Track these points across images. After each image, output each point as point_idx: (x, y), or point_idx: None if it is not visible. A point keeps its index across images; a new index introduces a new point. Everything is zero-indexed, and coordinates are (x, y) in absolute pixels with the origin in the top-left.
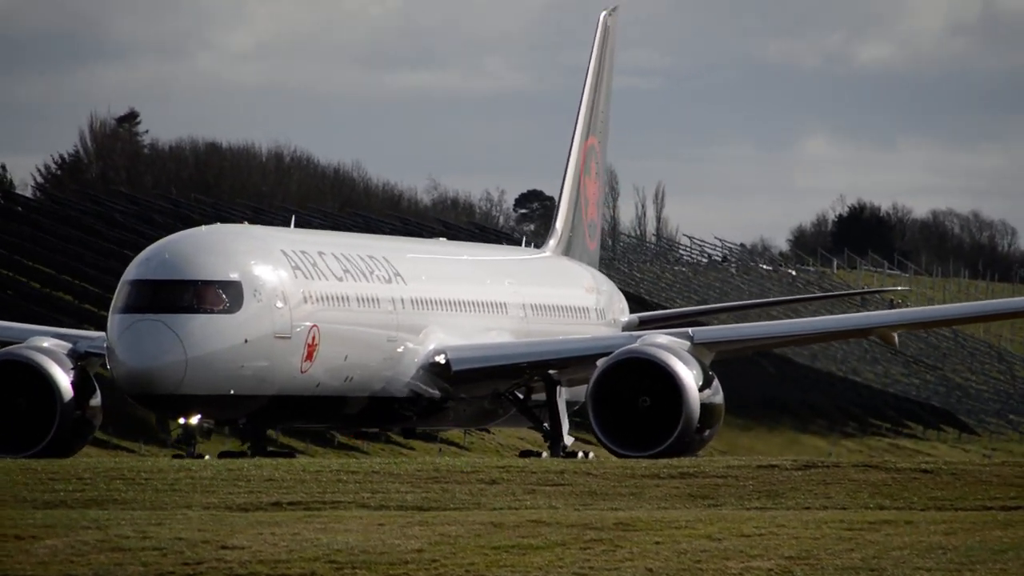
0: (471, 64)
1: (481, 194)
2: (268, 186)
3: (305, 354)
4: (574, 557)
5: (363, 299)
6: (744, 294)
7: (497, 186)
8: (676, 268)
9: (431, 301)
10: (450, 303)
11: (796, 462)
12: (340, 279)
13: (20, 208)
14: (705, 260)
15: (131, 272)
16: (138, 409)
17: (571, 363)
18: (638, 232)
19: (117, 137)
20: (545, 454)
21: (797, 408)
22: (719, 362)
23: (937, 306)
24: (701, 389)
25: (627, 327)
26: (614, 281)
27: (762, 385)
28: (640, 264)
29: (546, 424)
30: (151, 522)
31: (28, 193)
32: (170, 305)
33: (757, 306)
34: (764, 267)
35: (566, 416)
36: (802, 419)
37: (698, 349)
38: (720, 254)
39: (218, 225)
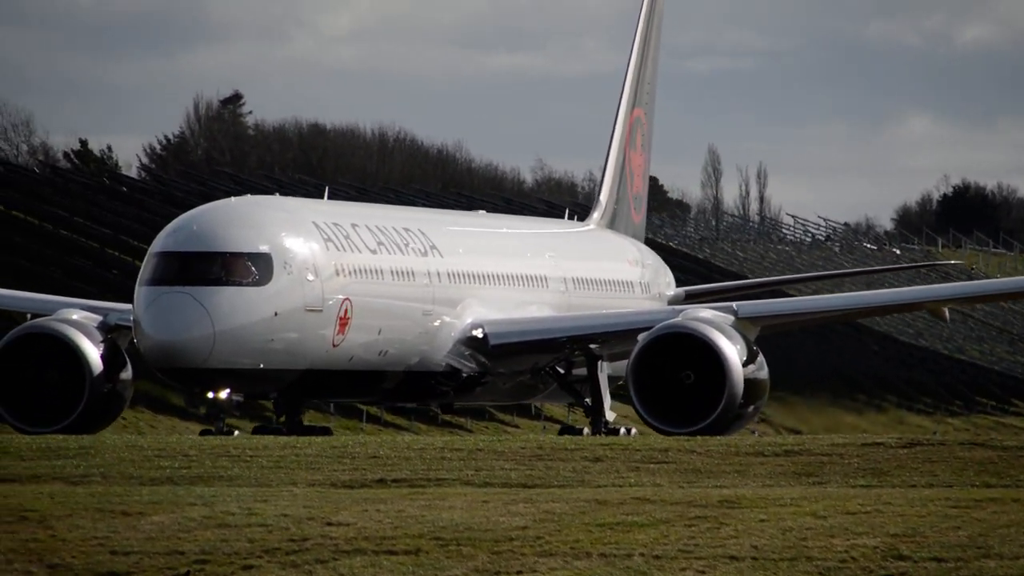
0: (567, 45)
1: (584, 174)
2: (372, 167)
3: (337, 328)
4: (679, 534)
5: (398, 272)
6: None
7: (600, 166)
8: (779, 247)
9: (468, 274)
10: (488, 276)
11: (901, 440)
12: (374, 252)
13: (125, 189)
14: (808, 239)
15: (158, 243)
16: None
17: (612, 337)
18: (741, 211)
19: (222, 118)
20: (586, 430)
21: (903, 387)
22: (788, 335)
23: (987, 280)
24: (745, 364)
25: (673, 301)
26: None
27: (867, 363)
28: (743, 243)
29: (587, 399)
30: (257, 499)
31: (133, 174)
32: (198, 277)
33: (799, 280)
34: (868, 246)
35: (608, 391)
36: (907, 397)
37: (742, 323)
38: (824, 233)
39: (248, 196)
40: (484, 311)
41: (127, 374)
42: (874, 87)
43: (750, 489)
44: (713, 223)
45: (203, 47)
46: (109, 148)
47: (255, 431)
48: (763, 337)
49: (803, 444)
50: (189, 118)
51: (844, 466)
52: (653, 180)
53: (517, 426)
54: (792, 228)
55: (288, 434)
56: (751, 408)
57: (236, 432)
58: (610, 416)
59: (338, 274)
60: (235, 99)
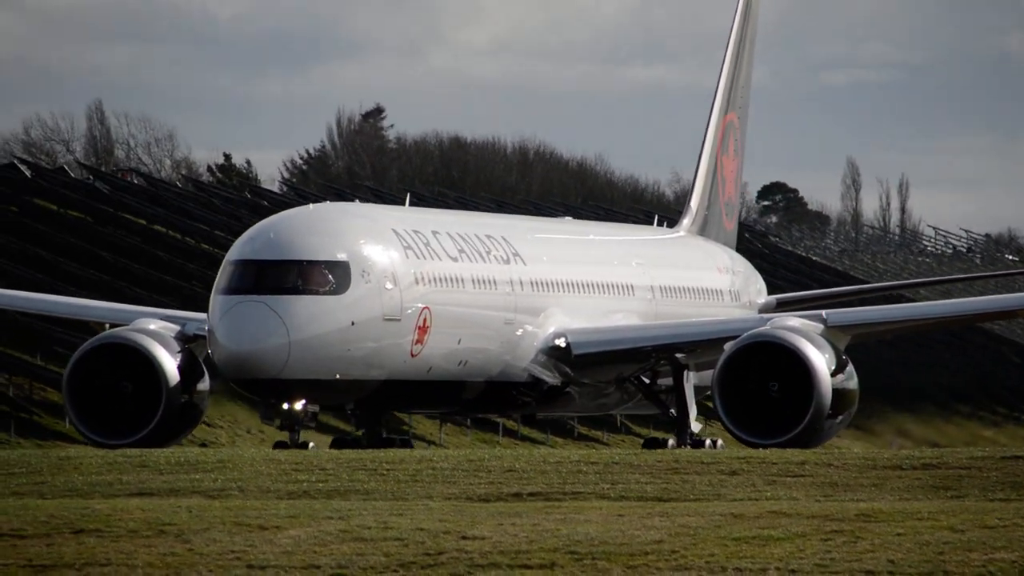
0: (704, 58)
1: None
2: (512, 180)
3: (416, 337)
4: (815, 548)
5: (479, 280)
6: (989, 285)
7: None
8: (920, 259)
9: (552, 282)
10: (572, 284)
11: None
12: (455, 259)
13: (266, 203)
14: (950, 251)
15: (235, 252)
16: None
17: (698, 347)
18: (881, 223)
19: (363, 132)
20: (672, 441)
21: None
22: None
23: None
24: (833, 374)
25: (764, 309)
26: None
27: (1005, 375)
28: (883, 255)
29: (672, 410)
30: (393, 512)
31: (275, 188)
32: (274, 286)
33: (893, 288)
34: (1010, 257)
35: (694, 402)
36: None
37: (831, 332)
38: (965, 245)
39: (327, 203)
40: (567, 320)
41: (204, 385)
42: (1016, 98)
43: (887, 503)
44: (853, 235)
45: (343, 62)
46: (248, 163)
47: (333, 443)
48: (895, 344)
49: (941, 457)
50: (331, 132)
51: (983, 479)
52: (792, 192)
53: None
54: (933, 240)
55: (367, 446)
56: (839, 419)
57: (311, 445)
58: (696, 427)
59: (417, 283)
60: (377, 113)
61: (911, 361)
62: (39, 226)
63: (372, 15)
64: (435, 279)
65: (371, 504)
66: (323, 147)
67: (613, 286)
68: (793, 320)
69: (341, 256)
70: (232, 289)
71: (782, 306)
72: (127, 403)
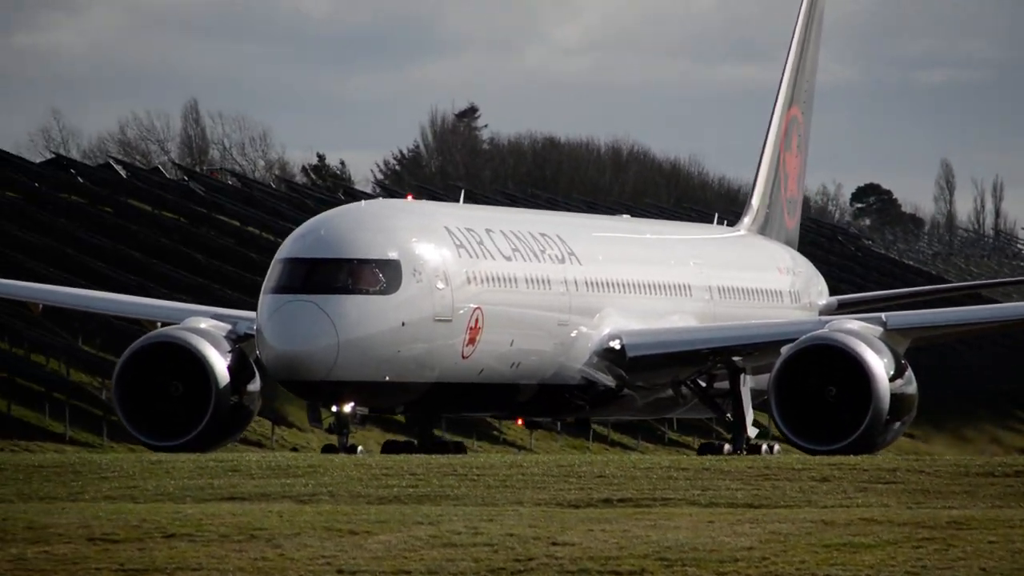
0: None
1: (817, 188)
2: (605, 181)
3: (467, 338)
4: (906, 556)
5: (532, 280)
6: None
7: (834, 180)
8: (1015, 263)
9: (607, 283)
10: (628, 285)
11: None
12: (508, 258)
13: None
14: None
15: (284, 250)
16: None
17: (755, 349)
18: (976, 226)
19: (457, 132)
20: (727, 446)
21: None
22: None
23: None
24: (892, 379)
25: (825, 311)
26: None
27: None
28: (977, 259)
29: (729, 415)
30: (483, 518)
31: (368, 188)
32: (323, 285)
33: (956, 290)
34: None
35: (751, 406)
36: None
37: (891, 335)
38: None
39: (379, 200)
40: (622, 321)
41: (255, 385)
42: None
43: (979, 510)
44: (947, 238)
45: (437, 60)
46: (342, 163)
47: (384, 447)
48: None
49: None
50: (424, 132)
51: None
52: (886, 194)
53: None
54: None
55: (421, 449)
56: (898, 424)
57: (360, 448)
58: (752, 432)
59: (469, 282)
60: (470, 112)
61: (1006, 366)
62: (133, 227)
63: (465, 13)
64: (488, 278)
65: (461, 509)
66: (416, 147)
67: (669, 286)
68: (852, 323)
69: (392, 255)
70: (281, 288)
71: (844, 307)
72: (177, 404)
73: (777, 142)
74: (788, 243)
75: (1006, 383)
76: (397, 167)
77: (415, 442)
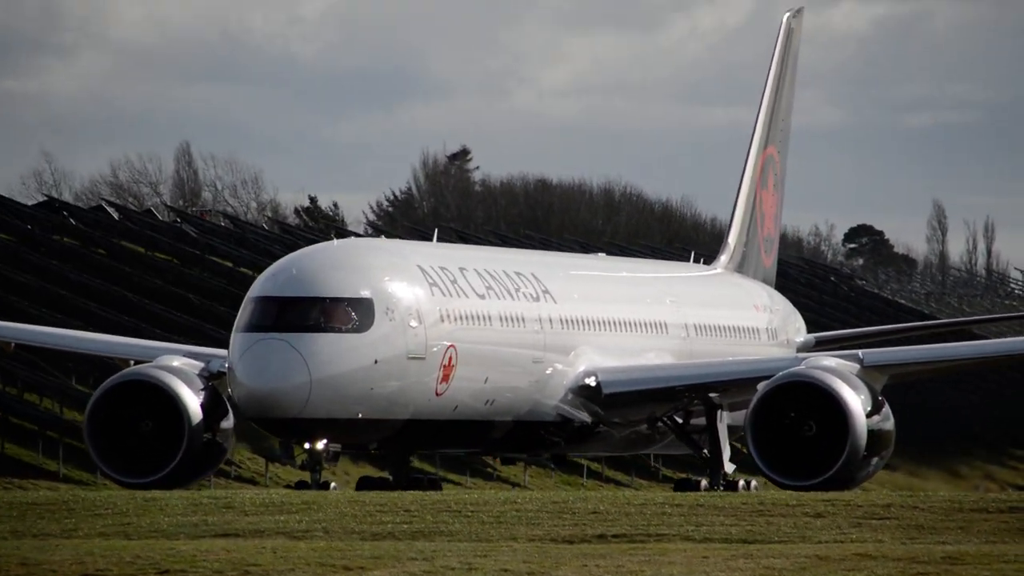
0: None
1: (810, 228)
2: (597, 223)
3: (441, 376)
4: None
5: (507, 318)
6: None
7: (827, 220)
8: (1007, 302)
9: (582, 320)
10: (603, 322)
11: None
12: (482, 296)
13: None
14: None
15: (256, 288)
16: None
17: (731, 386)
18: (968, 266)
19: (449, 173)
20: (704, 483)
21: None
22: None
23: None
24: (869, 415)
25: (803, 348)
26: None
27: None
28: (970, 299)
29: (706, 451)
30: (477, 554)
31: (360, 230)
32: (295, 324)
33: (935, 327)
34: None
35: (727, 442)
36: None
37: (868, 372)
38: None
39: (351, 239)
40: (598, 359)
41: (228, 423)
42: None
43: (973, 545)
44: (939, 278)
45: (425, 103)
46: (335, 205)
47: (359, 483)
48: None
49: None
50: (416, 174)
51: None
52: (878, 234)
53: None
54: (1021, 283)
55: (395, 485)
56: (875, 460)
57: (333, 484)
58: (729, 468)
59: (443, 320)
60: (462, 154)
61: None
62: (126, 268)
63: (453, 57)
64: (461, 316)
65: (455, 545)
66: (409, 189)
67: (645, 324)
68: (828, 360)
69: (365, 293)
70: (253, 326)
71: (822, 345)
72: (149, 441)
73: (754, 181)
74: (765, 281)
75: (997, 420)
76: (390, 208)
77: (390, 478)
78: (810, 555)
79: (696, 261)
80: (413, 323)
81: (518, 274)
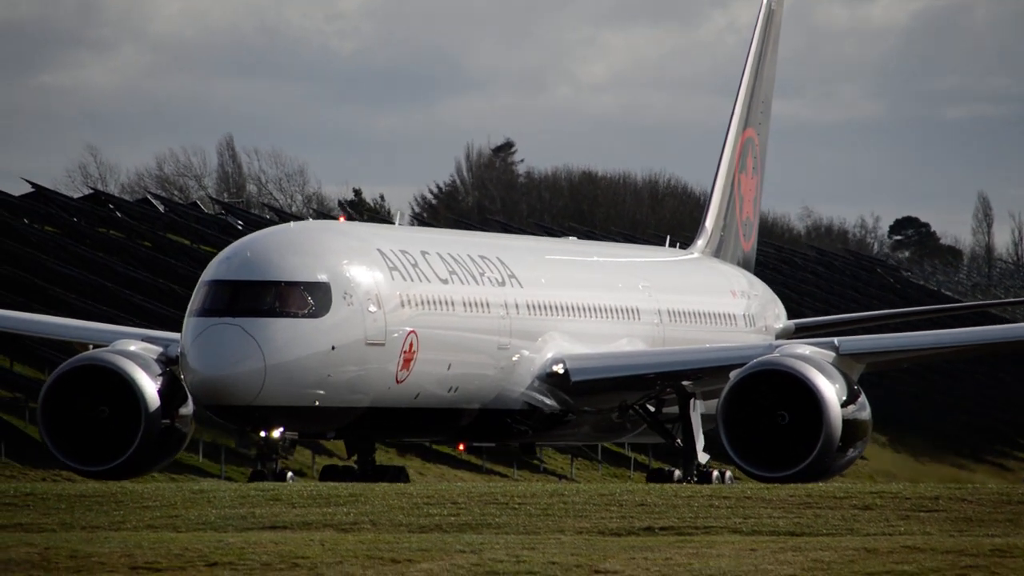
0: (825, 90)
1: (856, 220)
2: (642, 214)
3: (401, 362)
4: None
5: (471, 303)
6: None
7: (872, 212)
8: None
9: (550, 305)
10: (572, 308)
11: None
12: (445, 281)
13: None
14: None
15: (209, 272)
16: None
17: (703, 374)
18: (1015, 258)
19: (493, 166)
20: (677, 473)
21: None
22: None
23: None
24: (844, 404)
25: (782, 335)
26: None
27: None
28: (1017, 290)
29: (679, 440)
30: (524, 546)
31: (406, 222)
32: (249, 308)
33: (915, 313)
34: None
35: (701, 431)
36: None
37: (843, 360)
38: None
39: (310, 221)
40: (566, 345)
41: (187, 409)
42: None
43: (1022, 538)
44: (986, 270)
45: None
46: (382, 197)
47: (323, 472)
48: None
49: None
50: (460, 167)
51: None
52: (924, 226)
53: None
54: None
55: (360, 475)
56: (850, 451)
57: (290, 475)
58: (703, 458)
59: (403, 305)
60: (507, 147)
61: None
62: (172, 260)
63: (489, 51)
64: (423, 301)
65: (503, 538)
66: (453, 182)
67: (616, 309)
68: (803, 348)
69: (321, 277)
70: (205, 311)
71: (802, 331)
72: (105, 428)
73: (732, 164)
74: (744, 265)
75: None
76: (434, 201)
77: (355, 467)
78: (858, 547)
79: (672, 245)
80: (372, 308)
81: (483, 258)
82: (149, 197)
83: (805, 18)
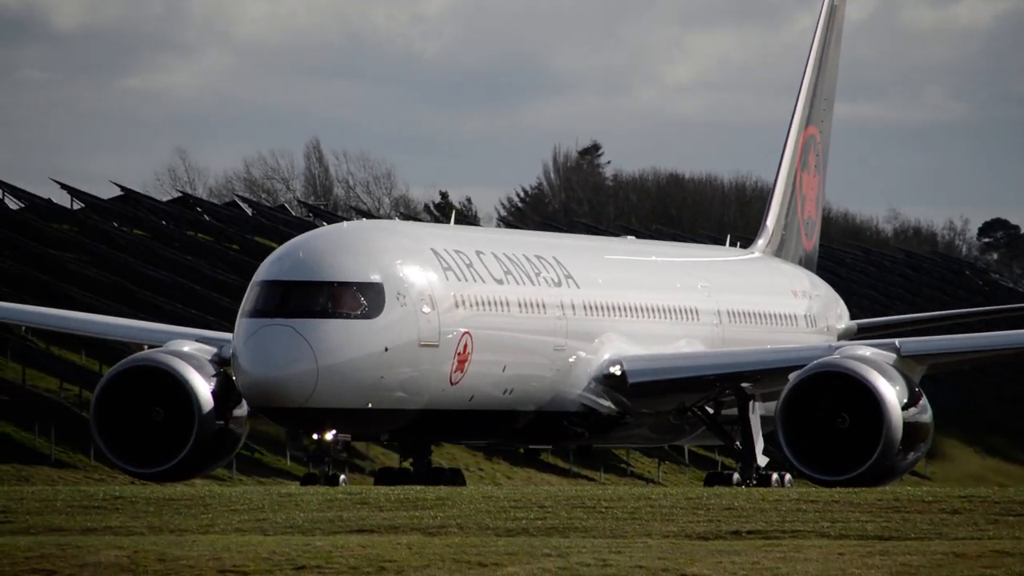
0: (908, 94)
1: (944, 222)
2: (730, 216)
3: (456, 364)
4: None
5: (526, 304)
6: None
7: (961, 215)
8: None
9: (607, 306)
10: (629, 308)
11: None
12: (500, 281)
13: None
14: None
15: (261, 272)
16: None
17: (762, 375)
18: None
19: (580, 169)
20: (736, 476)
21: None
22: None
23: None
24: (905, 407)
25: (844, 335)
26: None
27: None
28: None
29: (738, 443)
30: (611, 550)
31: (492, 225)
32: (301, 309)
33: (981, 313)
34: None
35: (760, 434)
36: None
37: (905, 362)
38: None
39: (362, 221)
40: (624, 346)
41: (242, 411)
42: None
43: None
44: None
45: (548, 99)
46: (469, 200)
47: (378, 475)
48: None
49: None
50: (547, 169)
51: None
52: (1014, 228)
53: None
54: None
55: (415, 478)
56: (912, 454)
57: (342, 478)
58: (762, 461)
59: (457, 306)
60: (593, 150)
61: None
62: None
63: (573, 53)
64: (477, 302)
65: (590, 541)
66: (540, 184)
67: (674, 310)
68: (863, 349)
69: (374, 277)
70: (257, 312)
71: (865, 332)
72: (159, 430)
73: (793, 162)
74: (806, 265)
75: None
76: (520, 204)
77: (410, 470)
78: (947, 552)
79: (745, 246)
80: (426, 308)
81: (539, 258)
82: (237, 200)
83: (889, 20)
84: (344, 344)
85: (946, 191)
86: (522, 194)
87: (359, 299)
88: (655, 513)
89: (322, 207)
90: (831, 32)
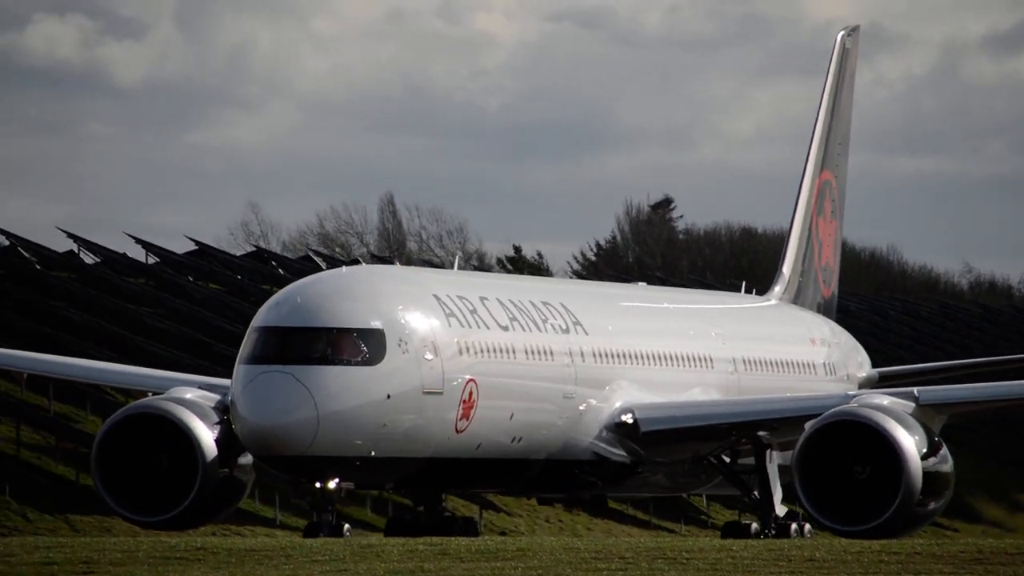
0: (971, 147)
1: (1020, 276)
2: None
3: (461, 412)
4: None
5: (533, 350)
6: None
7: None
8: None
9: (617, 353)
10: (640, 355)
11: None
12: (505, 328)
13: None
14: None
15: (259, 318)
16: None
17: (777, 424)
18: None
19: (652, 223)
20: (755, 526)
21: None
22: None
23: None
24: (925, 457)
25: (865, 384)
26: None
27: None
28: None
29: (755, 492)
30: None
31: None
32: (301, 355)
33: (1005, 363)
34: None
35: (778, 483)
36: None
37: (924, 411)
38: None
39: (362, 266)
40: (635, 394)
41: (247, 459)
42: None
43: None
44: None
45: (611, 153)
46: (539, 254)
47: (388, 524)
48: None
49: None
50: (620, 222)
51: None
52: None
53: (956, 530)
54: None
55: (427, 526)
56: (933, 504)
57: (347, 527)
58: (781, 511)
59: (461, 353)
60: (665, 203)
61: None
62: None
63: (635, 107)
64: (482, 349)
65: None
66: (613, 238)
67: (688, 357)
68: (881, 398)
69: (375, 323)
70: (256, 358)
71: (887, 380)
72: (162, 478)
73: (809, 208)
74: (825, 312)
75: None
76: (594, 258)
77: (421, 519)
78: None
79: (760, 293)
80: (428, 355)
81: (546, 304)
82: (311, 254)
83: (950, 75)
84: (345, 391)
85: (1017, 244)
86: (595, 248)
87: (359, 346)
88: (736, 565)
89: (396, 261)
90: (843, 75)
